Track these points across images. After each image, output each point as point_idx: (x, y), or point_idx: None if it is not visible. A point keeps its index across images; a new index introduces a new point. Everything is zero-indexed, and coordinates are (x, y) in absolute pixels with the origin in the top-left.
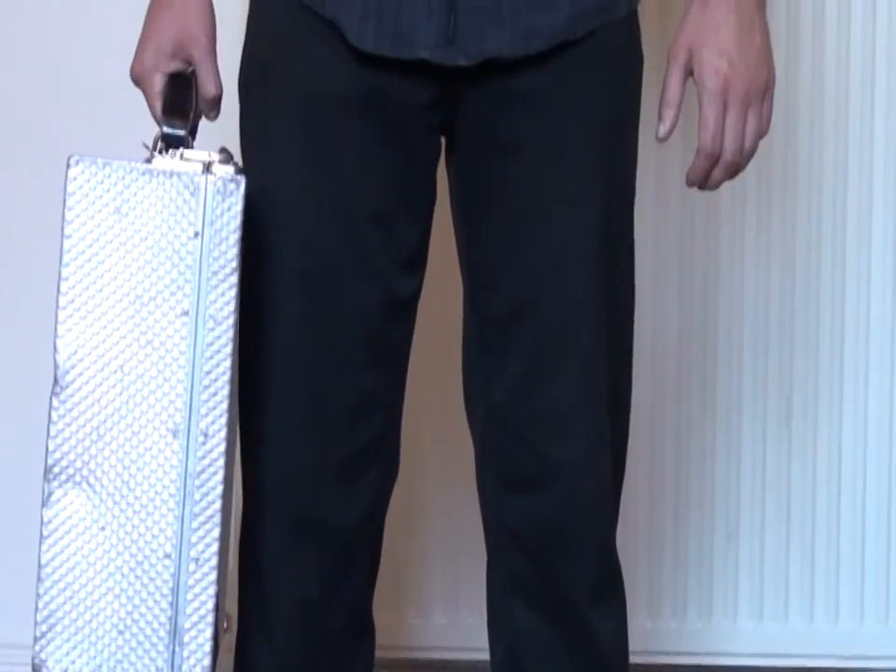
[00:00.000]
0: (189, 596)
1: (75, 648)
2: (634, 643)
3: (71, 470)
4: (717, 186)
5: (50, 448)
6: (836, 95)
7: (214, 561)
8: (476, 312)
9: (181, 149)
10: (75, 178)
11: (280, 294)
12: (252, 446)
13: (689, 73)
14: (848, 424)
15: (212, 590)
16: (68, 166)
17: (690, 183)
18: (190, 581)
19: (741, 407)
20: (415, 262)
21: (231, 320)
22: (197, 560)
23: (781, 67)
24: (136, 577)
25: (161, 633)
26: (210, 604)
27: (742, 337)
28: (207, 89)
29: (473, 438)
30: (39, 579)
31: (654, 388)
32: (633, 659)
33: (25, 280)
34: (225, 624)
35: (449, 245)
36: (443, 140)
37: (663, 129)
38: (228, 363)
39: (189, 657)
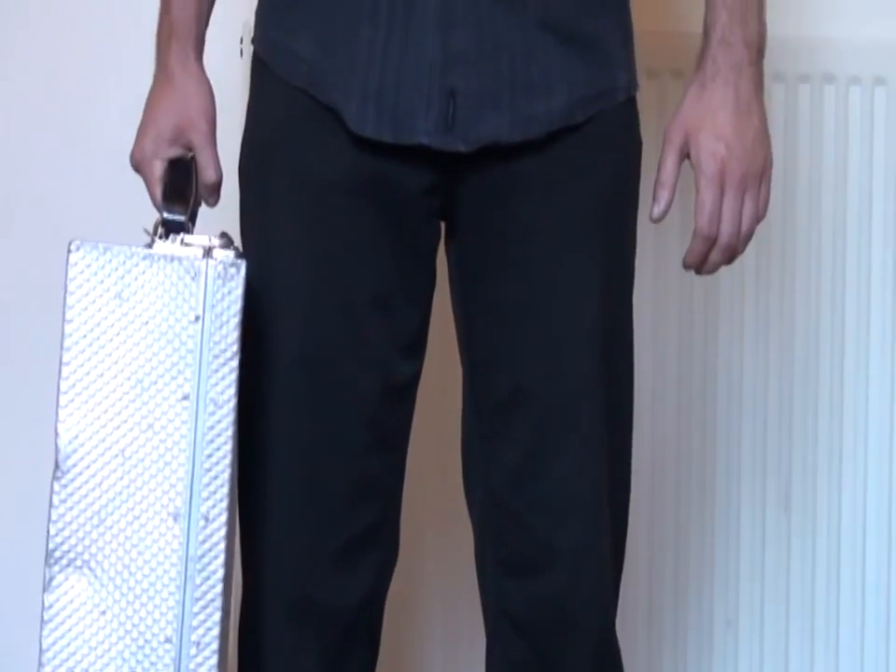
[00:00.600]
0: None
1: None
2: None
3: (72, 555)
4: (714, 269)
5: (51, 532)
6: (835, 178)
7: (215, 645)
8: (475, 396)
9: (181, 234)
10: (76, 263)
11: (279, 378)
12: (251, 529)
13: (685, 155)
14: (847, 511)
15: None
16: (69, 251)
17: (687, 266)
18: (191, 665)
19: (740, 493)
20: (415, 347)
21: (232, 404)
22: (198, 644)
23: (779, 151)
24: (137, 661)
25: None
26: None
27: (741, 424)
28: (207, 174)
29: (472, 522)
30: (40, 664)
31: (653, 475)
32: None
33: (26, 364)
34: None
35: (449, 330)
36: (443, 225)
37: (657, 209)
38: (228, 447)
39: None
